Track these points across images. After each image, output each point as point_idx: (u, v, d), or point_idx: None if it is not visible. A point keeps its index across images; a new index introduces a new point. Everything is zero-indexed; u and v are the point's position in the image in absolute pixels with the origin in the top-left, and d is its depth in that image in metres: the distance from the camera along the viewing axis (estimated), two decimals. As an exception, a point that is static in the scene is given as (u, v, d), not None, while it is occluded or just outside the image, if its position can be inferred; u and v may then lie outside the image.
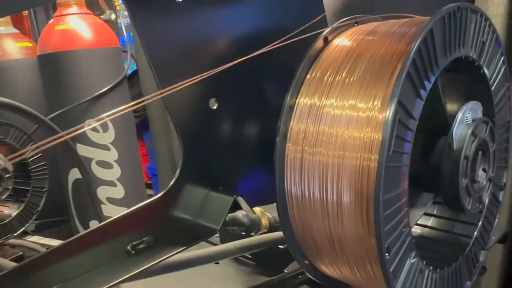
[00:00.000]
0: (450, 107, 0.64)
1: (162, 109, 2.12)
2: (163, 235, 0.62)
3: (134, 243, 0.60)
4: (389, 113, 0.49)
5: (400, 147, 0.50)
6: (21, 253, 1.28)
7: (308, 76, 0.62)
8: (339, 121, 0.58)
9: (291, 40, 0.65)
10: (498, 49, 0.66)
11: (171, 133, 2.15)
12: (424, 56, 0.51)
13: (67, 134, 0.49)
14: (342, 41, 0.62)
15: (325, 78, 0.61)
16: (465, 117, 0.58)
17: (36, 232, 1.64)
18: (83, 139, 1.55)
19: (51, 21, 1.62)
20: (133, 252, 0.60)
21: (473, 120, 0.59)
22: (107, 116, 0.58)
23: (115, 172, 1.61)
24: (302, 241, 0.64)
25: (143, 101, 0.56)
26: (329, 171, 0.57)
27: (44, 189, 1.37)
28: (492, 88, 0.66)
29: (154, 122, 2.20)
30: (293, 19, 0.67)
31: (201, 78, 0.58)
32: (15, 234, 1.30)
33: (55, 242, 1.47)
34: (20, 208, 1.32)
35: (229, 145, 0.65)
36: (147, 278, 0.64)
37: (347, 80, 0.59)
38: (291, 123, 0.62)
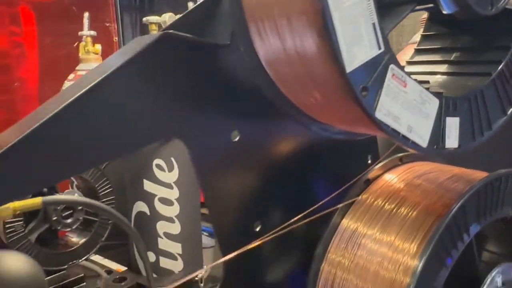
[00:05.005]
0: (486, 261, 0.66)
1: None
2: None
3: None
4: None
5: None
6: (83, 274, 1.42)
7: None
8: (374, 255, 0.63)
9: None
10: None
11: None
12: (453, 229, 0.55)
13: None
14: (387, 183, 0.67)
15: (371, 209, 0.67)
16: (495, 281, 0.60)
17: (97, 252, 1.78)
18: (150, 176, 1.68)
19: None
20: None
21: (504, 284, 0.61)
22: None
23: (175, 210, 1.72)
24: None
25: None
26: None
27: (109, 222, 1.50)
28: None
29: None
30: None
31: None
32: (80, 261, 1.44)
33: (113, 265, 1.61)
34: (87, 237, 1.46)
35: (272, 264, 0.70)
36: None
37: (389, 218, 0.65)
38: (329, 249, 0.68)
